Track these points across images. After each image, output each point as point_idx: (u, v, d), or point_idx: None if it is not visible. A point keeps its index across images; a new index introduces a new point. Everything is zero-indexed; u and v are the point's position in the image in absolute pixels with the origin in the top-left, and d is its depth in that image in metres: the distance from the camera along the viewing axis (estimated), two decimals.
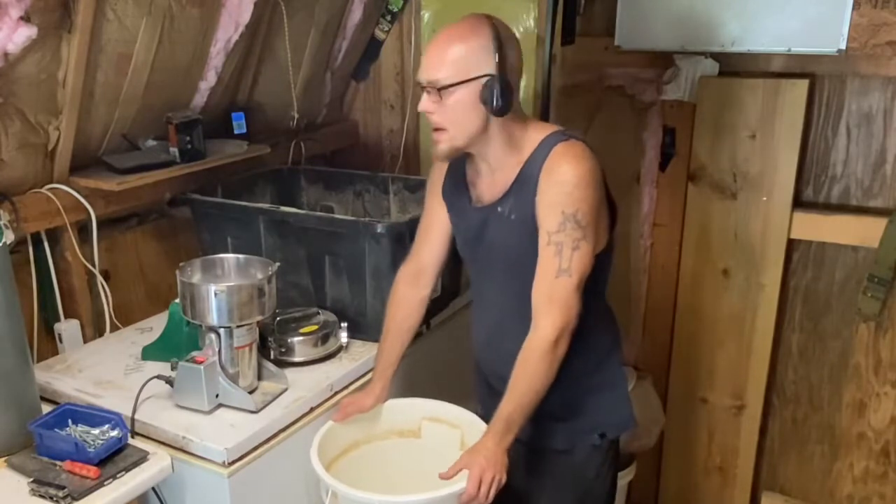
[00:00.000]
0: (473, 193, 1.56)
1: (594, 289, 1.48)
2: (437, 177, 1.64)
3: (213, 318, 1.54)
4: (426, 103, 1.42)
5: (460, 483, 1.36)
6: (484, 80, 1.38)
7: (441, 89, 1.39)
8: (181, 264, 1.61)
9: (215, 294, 1.52)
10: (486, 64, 1.38)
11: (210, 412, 1.55)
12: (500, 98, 1.37)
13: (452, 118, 1.41)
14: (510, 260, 1.51)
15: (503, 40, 1.39)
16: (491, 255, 1.54)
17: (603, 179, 1.44)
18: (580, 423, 1.58)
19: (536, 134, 1.46)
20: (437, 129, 1.44)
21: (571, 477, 1.61)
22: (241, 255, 1.70)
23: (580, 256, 1.39)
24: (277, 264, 1.64)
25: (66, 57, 1.68)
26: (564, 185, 1.38)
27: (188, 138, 1.96)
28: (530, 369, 1.40)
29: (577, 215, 1.37)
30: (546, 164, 1.40)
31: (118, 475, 1.36)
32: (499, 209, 1.48)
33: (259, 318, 1.59)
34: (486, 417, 1.54)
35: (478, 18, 1.41)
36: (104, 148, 1.96)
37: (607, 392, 1.60)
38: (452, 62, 1.38)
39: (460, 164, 1.57)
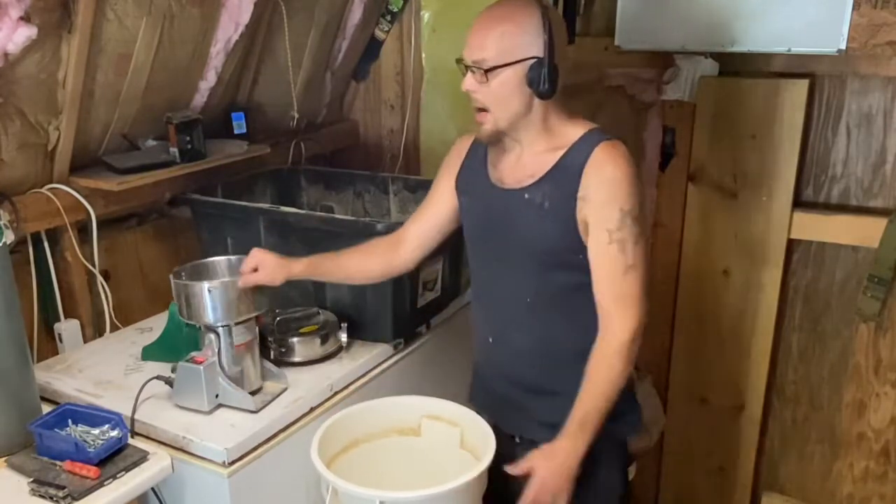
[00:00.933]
0: (493, 174, 1.52)
1: None
2: (454, 158, 1.61)
3: (209, 317, 1.54)
4: (470, 82, 1.40)
5: (459, 480, 1.36)
6: (531, 62, 1.36)
7: (487, 71, 1.37)
8: (174, 270, 1.61)
9: (209, 291, 1.52)
10: (534, 45, 1.36)
11: (210, 412, 1.55)
12: (547, 81, 1.36)
13: (496, 99, 1.40)
14: (534, 250, 1.46)
15: (552, 21, 1.36)
16: (510, 242, 1.49)
17: None
18: None
19: (575, 128, 1.44)
20: (480, 110, 1.43)
21: (581, 479, 1.53)
22: (232, 257, 1.70)
23: (641, 251, 1.39)
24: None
25: (66, 57, 1.68)
26: (619, 182, 1.37)
27: (188, 138, 1.96)
28: (604, 371, 1.38)
29: (633, 212, 1.37)
30: (593, 160, 1.38)
31: (118, 475, 1.37)
32: (526, 196, 1.44)
33: (255, 313, 1.59)
34: (491, 426, 1.53)
35: None
36: (104, 148, 1.96)
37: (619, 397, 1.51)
38: (499, 42, 1.36)
39: (481, 146, 1.55)
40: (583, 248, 1.42)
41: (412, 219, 1.67)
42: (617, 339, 1.38)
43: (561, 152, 1.43)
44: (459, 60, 1.42)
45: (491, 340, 1.59)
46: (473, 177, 1.56)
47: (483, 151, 1.55)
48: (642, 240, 1.39)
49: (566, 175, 1.41)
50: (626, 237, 1.37)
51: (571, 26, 2.25)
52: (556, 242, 1.43)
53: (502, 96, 1.39)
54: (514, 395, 1.57)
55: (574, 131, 1.44)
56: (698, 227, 2.29)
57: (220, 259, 1.71)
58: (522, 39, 1.36)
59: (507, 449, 1.57)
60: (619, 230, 1.37)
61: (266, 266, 1.57)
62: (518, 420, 1.60)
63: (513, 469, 1.38)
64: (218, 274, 1.67)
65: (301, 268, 1.62)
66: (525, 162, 1.46)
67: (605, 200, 1.37)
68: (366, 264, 1.67)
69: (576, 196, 1.39)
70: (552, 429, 1.48)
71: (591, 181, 1.38)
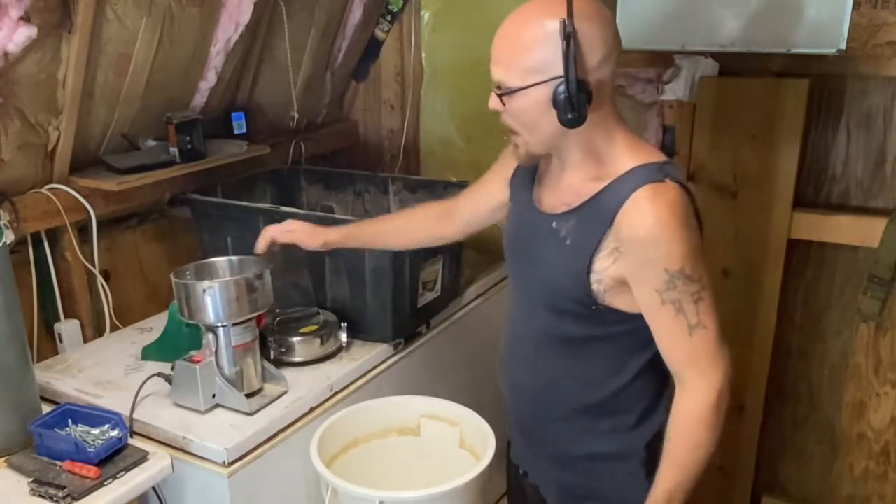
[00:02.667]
0: (536, 191, 1.35)
1: (639, 343, 1.27)
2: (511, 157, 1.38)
3: (207, 316, 1.54)
4: (492, 102, 1.21)
5: (459, 480, 1.36)
6: (554, 82, 1.13)
7: (502, 95, 1.18)
8: (175, 270, 1.61)
9: (204, 291, 1.52)
10: (555, 62, 1.12)
11: (206, 412, 1.55)
12: (570, 107, 1.13)
13: (520, 124, 1.21)
14: (546, 286, 1.30)
15: (578, 28, 1.11)
16: (528, 271, 1.34)
17: (696, 212, 1.24)
18: (573, 485, 1.41)
19: (628, 157, 1.22)
20: (512, 132, 1.25)
21: None
22: (234, 258, 1.70)
23: (706, 307, 1.19)
24: (271, 265, 1.64)
25: (66, 57, 1.68)
26: (658, 241, 1.15)
27: (188, 138, 1.96)
28: (690, 440, 1.22)
29: (684, 270, 1.16)
30: (628, 207, 1.17)
31: (118, 475, 1.37)
32: (554, 224, 1.26)
33: (254, 314, 1.58)
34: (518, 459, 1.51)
35: None
36: (104, 148, 1.96)
37: (617, 462, 1.36)
38: (513, 61, 1.16)
39: None
40: (594, 302, 1.24)
41: (465, 194, 1.57)
42: (698, 406, 1.20)
43: (602, 184, 1.21)
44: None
45: (504, 359, 1.47)
46: (521, 187, 1.39)
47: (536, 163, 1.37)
48: (706, 293, 1.18)
49: (597, 215, 1.20)
50: (679, 298, 1.17)
51: None
52: (564, 288, 1.25)
53: (526, 121, 1.20)
54: (515, 425, 1.50)
55: (624, 161, 1.21)
56: None
57: (223, 259, 1.71)
58: (540, 55, 1.13)
59: (516, 478, 1.55)
60: (668, 291, 1.17)
61: (300, 230, 1.61)
62: (519, 450, 1.52)
63: None
64: (220, 274, 1.67)
65: (336, 237, 1.64)
66: (565, 186, 1.27)
67: (645, 259, 1.17)
68: (409, 233, 1.64)
69: (599, 243, 1.20)
70: (544, 481, 1.44)
71: (624, 234, 1.17)
